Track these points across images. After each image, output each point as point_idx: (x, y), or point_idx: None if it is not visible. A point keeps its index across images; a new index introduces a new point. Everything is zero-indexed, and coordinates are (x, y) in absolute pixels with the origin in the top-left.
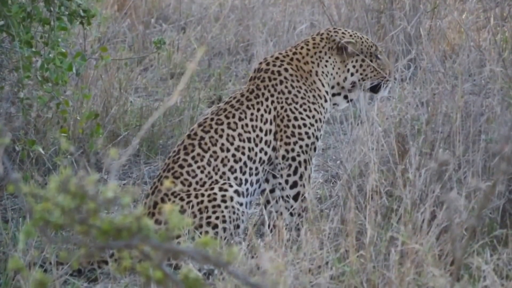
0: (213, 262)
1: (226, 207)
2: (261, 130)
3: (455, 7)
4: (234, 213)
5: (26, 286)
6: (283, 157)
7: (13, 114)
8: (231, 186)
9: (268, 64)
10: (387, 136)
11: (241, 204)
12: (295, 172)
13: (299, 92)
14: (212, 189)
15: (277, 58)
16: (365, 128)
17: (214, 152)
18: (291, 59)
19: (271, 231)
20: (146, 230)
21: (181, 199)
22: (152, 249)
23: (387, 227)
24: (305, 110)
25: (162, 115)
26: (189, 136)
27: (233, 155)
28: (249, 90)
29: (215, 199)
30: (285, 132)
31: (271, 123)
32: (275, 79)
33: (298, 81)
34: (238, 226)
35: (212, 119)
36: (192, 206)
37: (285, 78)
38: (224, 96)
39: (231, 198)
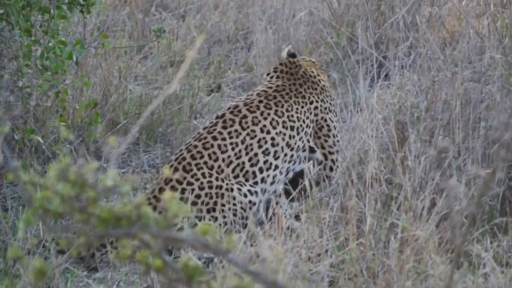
0: (213, 250)
1: (235, 204)
2: (304, 121)
3: None
4: (244, 210)
5: (25, 274)
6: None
7: (12, 103)
8: (243, 185)
9: (306, 68)
10: (386, 124)
11: (254, 204)
12: (331, 169)
13: (332, 100)
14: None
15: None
16: (365, 115)
17: (253, 131)
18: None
19: (270, 219)
20: (145, 219)
21: (203, 175)
22: (152, 238)
23: (387, 215)
24: (337, 121)
25: (162, 103)
26: (231, 112)
27: (272, 138)
28: (296, 85)
29: (226, 195)
30: (326, 141)
31: (311, 122)
32: (317, 85)
33: (329, 90)
34: (245, 225)
35: (261, 101)
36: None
37: (324, 86)
38: (223, 84)
39: (245, 195)
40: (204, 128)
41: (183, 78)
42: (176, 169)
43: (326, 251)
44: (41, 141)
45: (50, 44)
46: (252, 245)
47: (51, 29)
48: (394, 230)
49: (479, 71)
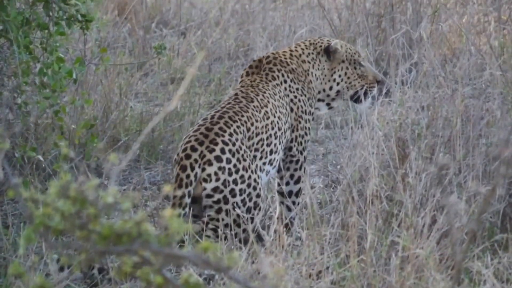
0: (214, 267)
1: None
2: (285, 114)
3: (455, 10)
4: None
5: None
6: (294, 148)
7: (12, 120)
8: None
9: (274, 55)
10: (387, 141)
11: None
12: (301, 167)
13: (303, 87)
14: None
15: (278, 53)
16: (366, 132)
17: (266, 112)
18: (291, 55)
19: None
20: (146, 235)
21: (231, 152)
22: (153, 254)
23: (388, 232)
24: (310, 105)
25: (162, 120)
26: (237, 94)
27: (277, 122)
28: (264, 75)
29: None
30: (299, 123)
31: (288, 110)
32: (285, 67)
33: (300, 78)
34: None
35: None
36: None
37: (293, 69)
38: None
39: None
40: (229, 103)
41: (183, 95)
42: (209, 129)
43: (327, 268)
44: (42, 159)
45: (48, 61)
46: (253, 262)
47: (50, 46)
48: (395, 247)
49: (480, 88)
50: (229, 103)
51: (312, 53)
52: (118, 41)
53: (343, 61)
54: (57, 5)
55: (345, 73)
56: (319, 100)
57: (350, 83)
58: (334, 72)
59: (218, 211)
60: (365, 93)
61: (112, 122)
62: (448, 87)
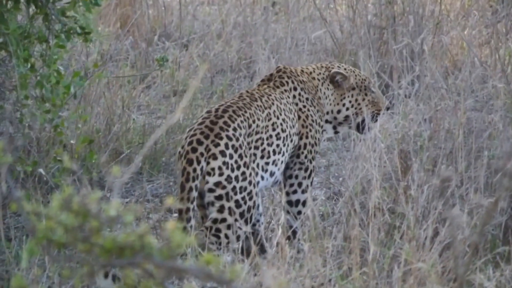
0: (216, 280)
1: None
2: (292, 119)
3: (457, 23)
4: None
5: None
6: (304, 155)
7: (13, 134)
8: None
9: (285, 67)
10: (389, 153)
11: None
12: (309, 176)
13: (313, 99)
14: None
15: (289, 67)
16: (368, 144)
17: (269, 113)
18: (302, 71)
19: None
20: (149, 248)
21: (233, 148)
22: (155, 267)
23: (390, 244)
24: (319, 117)
25: (165, 132)
26: (242, 94)
27: (281, 124)
28: (276, 83)
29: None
30: (310, 130)
31: (296, 117)
32: (296, 77)
33: (309, 90)
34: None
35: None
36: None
37: (303, 81)
38: None
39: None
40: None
41: (186, 108)
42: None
43: (330, 280)
44: (43, 173)
45: (46, 73)
46: (255, 274)
47: (49, 58)
48: (397, 259)
49: (482, 100)
50: (233, 99)
51: (323, 74)
52: (121, 53)
53: (353, 88)
54: (57, 17)
55: (356, 100)
56: (326, 121)
57: (360, 109)
58: (344, 98)
59: (221, 209)
60: (372, 119)
61: (115, 135)
62: (450, 99)
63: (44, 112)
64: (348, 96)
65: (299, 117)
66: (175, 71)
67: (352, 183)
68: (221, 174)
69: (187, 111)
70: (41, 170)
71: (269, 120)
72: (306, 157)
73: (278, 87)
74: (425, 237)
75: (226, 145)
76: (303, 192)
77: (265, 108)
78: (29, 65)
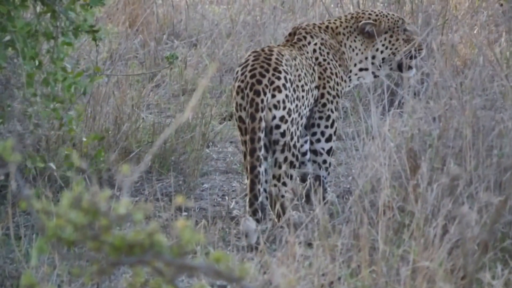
0: (226, 278)
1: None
2: (312, 74)
3: (466, 21)
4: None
5: None
6: (324, 105)
7: (22, 132)
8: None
9: (306, 26)
10: (399, 152)
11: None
12: (332, 125)
13: (335, 54)
14: None
15: (313, 24)
16: (377, 143)
17: (295, 64)
18: (326, 27)
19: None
20: (158, 246)
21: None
22: (165, 265)
23: (399, 242)
24: (341, 71)
25: (174, 131)
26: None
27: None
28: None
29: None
30: (328, 82)
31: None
32: (316, 34)
33: (331, 46)
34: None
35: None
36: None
37: (323, 39)
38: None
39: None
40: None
41: (195, 107)
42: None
43: (339, 278)
44: (54, 167)
45: (52, 71)
46: (264, 272)
47: (56, 55)
48: (407, 257)
49: (491, 99)
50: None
51: (351, 26)
52: (130, 52)
53: (386, 32)
54: (64, 15)
55: (389, 41)
56: (361, 69)
57: (396, 49)
58: (376, 43)
59: (283, 149)
60: (411, 58)
61: (124, 134)
62: (459, 98)
63: (52, 110)
64: (381, 40)
65: (318, 71)
66: (184, 70)
67: (362, 182)
68: (284, 108)
69: (196, 110)
70: (51, 165)
71: (296, 71)
72: (324, 105)
73: (296, 42)
74: (434, 235)
75: (285, 78)
76: (327, 141)
77: (292, 59)
78: (36, 63)
